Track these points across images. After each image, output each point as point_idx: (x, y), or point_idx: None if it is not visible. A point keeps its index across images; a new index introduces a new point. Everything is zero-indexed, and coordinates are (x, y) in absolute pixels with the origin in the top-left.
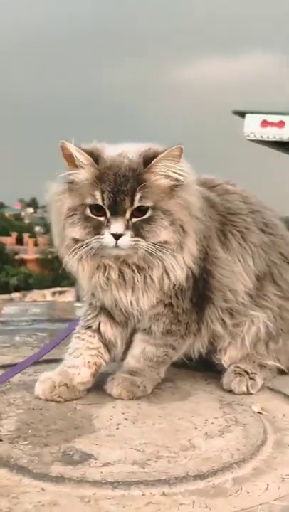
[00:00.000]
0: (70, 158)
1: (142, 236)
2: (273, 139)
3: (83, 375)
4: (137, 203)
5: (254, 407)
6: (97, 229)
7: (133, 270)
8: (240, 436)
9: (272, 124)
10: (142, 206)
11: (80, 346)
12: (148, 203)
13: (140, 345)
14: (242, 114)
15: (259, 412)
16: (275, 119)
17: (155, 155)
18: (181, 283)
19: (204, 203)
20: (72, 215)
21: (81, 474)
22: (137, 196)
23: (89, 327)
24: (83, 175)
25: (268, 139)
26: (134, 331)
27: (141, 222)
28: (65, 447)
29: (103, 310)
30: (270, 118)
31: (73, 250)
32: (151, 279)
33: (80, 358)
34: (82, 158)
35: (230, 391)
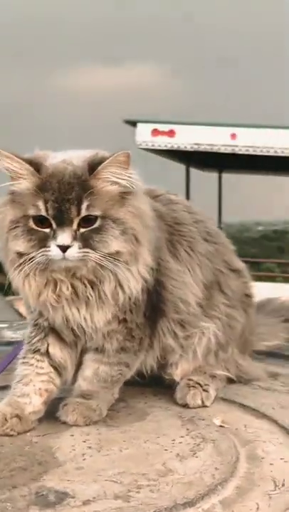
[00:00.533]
0: (9, 168)
1: (92, 247)
2: (164, 148)
3: (35, 404)
4: (84, 212)
5: (215, 420)
6: (42, 241)
7: (85, 284)
8: (214, 453)
9: (162, 132)
10: (90, 215)
11: (28, 373)
12: (96, 212)
13: (92, 366)
14: (133, 123)
15: (221, 426)
16: (166, 128)
17: (102, 160)
18: (136, 296)
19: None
20: (14, 227)
21: None
22: (84, 204)
23: (36, 350)
24: (24, 185)
25: (159, 148)
26: (82, 352)
27: (90, 233)
28: (36, 487)
29: (51, 330)
30: (160, 127)
31: (18, 265)
32: (104, 293)
33: (30, 385)
34: (20, 167)
35: (185, 405)
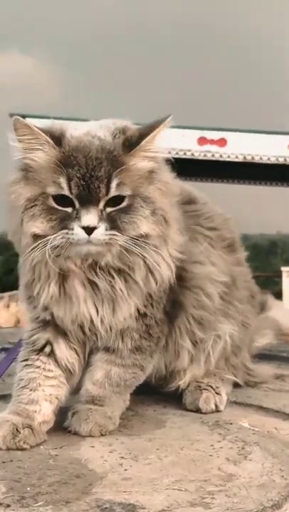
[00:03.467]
0: (25, 139)
1: (119, 229)
2: None
3: (45, 412)
4: (114, 191)
5: (243, 423)
6: (63, 222)
7: (110, 274)
8: (267, 456)
9: None
10: (120, 195)
11: (35, 376)
12: (127, 191)
13: (103, 368)
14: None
15: (251, 429)
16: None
17: (138, 138)
18: (169, 280)
19: None
20: (31, 206)
21: None
22: (114, 183)
23: (40, 351)
24: (42, 158)
25: None
26: (91, 352)
27: (117, 213)
28: (93, 501)
29: (56, 327)
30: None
31: (33, 249)
32: (135, 282)
33: (39, 390)
34: (38, 138)
35: (197, 410)
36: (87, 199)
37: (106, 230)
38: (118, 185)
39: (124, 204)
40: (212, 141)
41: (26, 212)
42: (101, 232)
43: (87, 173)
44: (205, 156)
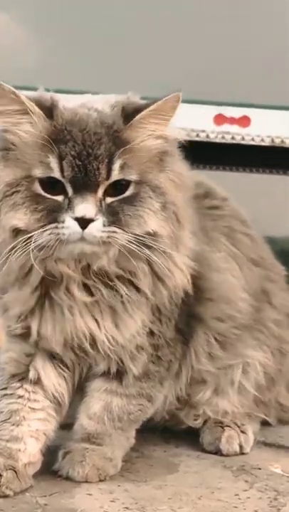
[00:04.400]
0: (7, 110)
1: (121, 224)
2: None
3: (31, 452)
4: (116, 175)
5: (275, 469)
6: (51, 214)
7: (109, 279)
8: None
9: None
10: (123, 180)
11: (19, 407)
12: (132, 175)
13: (102, 399)
14: None
15: (283, 475)
16: (48, 97)
17: (141, 107)
18: (184, 290)
19: None
20: (12, 193)
21: None
22: (117, 164)
23: (22, 378)
24: (29, 132)
25: None
26: (83, 378)
27: (120, 203)
28: None
29: (38, 348)
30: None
31: (11, 249)
32: (139, 291)
33: (24, 425)
34: (23, 108)
35: (218, 451)
36: (83, 184)
37: (104, 225)
38: (122, 166)
39: (128, 193)
40: (232, 120)
41: (5, 200)
42: (98, 227)
43: (83, 150)
44: (223, 138)
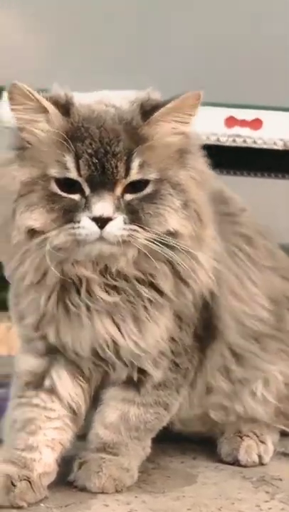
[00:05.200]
0: (23, 108)
1: (142, 222)
2: None
3: (47, 462)
4: (135, 173)
5: None
6: (68, 214)
7: (130, 282)
8: None
9: None
10: (142, 179)
11: (34, 416)
12: (152, 174)
13: (118, 408)
14: None
15: None
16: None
17: (159, 104)
18: (210, 289)
19: None
20: (28, 192)
21: None
22: (136, 162)
23: (38, 386)
24: (45, 130)
25: None
26: (98, 386)
27: (139, 201)
28: None
29: (56, 355)
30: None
31: (25, 252)
32: (162, 293)
33: (39, 434)
34: (42, 104)
35: (235, 462)
36: (101, 182)
37: (125, 223)
38: (141, 165)
39: (148, 190)
40: (243, 123)
41: (20, 200)
42: (118, 226)
43: (101, 147)
44: (234, 141)
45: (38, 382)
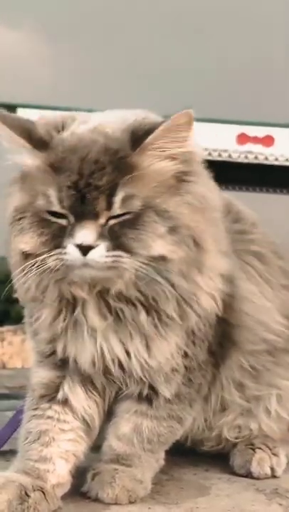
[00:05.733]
0: (8, 141)
1: (126, 248)
2: None
3: (60, 473)
4: (118, 209)
5: None
6: (57, 238)
7: (132, 303)
8: None
9: None
10: (127, 213)
11: (48, 428)
12: (135, 206)
13: (131, 421)
14: (11, 109)
15: None
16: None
17: (151, 128)
18: (214, 312)
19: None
20: (20, 218)
21: None
22: (119, 196)
23: (52, 399)
24: (30, 162)
25: None
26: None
27: (121, 227)
28: None
29: (70, 371)
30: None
31: (22, 270)
32: (167, 315)
33: (53, 446)
34: (16, 140)
35: (248, 474)
36: (84, 212)
37: (108, 250)
38: (124, 199)
39: (130, 215)
40: (255, 139)
41: (14, 224)
42: (100, 253)
43: (80, 180)
44: (246, 158)
45: (51, 394)
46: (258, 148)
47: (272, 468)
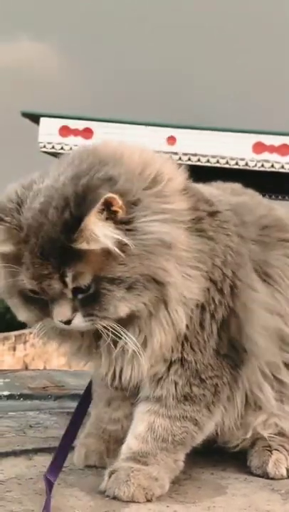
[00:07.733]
0: None
1: (97, 314)
2: None
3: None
4: (71, 284)
5: None
6: (44, 309)
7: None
8: None
9: (76, 131)
10: (79, 287)
11: (116, 395)
12: (85, 281)
13: (146, 419)
14: (35, 118)
15: None
16: (80, 125)
17: (83, 212)
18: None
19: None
20: (10, 297)
21: None
22: (69, 277)
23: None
24: (3, 247)
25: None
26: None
27: (87, 299)
28: None
29: None
30: (72, 124)
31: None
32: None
33: (120, 410)
34: None
35: (265, 475)
36: (52, 295)
37: (84, 316)
38: (74, 277)
39: (91, 290)
40: (272, 148)
41: (8, 300)
42: (78, 321)
43: (35, 271)
44: (262, 166)
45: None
46: (274, 157)
47: (288, 470)
